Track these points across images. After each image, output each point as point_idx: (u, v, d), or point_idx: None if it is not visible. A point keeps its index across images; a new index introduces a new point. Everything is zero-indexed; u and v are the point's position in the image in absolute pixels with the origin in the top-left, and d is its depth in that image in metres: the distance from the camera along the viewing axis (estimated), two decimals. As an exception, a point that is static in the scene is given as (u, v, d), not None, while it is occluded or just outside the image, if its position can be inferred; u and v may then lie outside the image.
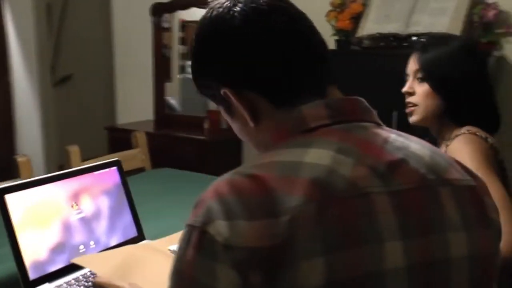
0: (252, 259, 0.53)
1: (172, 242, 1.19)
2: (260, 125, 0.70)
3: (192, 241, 0.57)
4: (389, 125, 2.13)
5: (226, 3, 0.72)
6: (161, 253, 1.12)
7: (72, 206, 1.14)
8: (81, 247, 1.13)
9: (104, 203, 1.21)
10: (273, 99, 0.69)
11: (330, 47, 2.34)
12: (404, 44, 2.20)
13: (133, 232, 1.25)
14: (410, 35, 2.19)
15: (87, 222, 1.16)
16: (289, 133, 0.66)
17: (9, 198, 1.04)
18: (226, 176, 0.62)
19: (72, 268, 1.08)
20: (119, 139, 3.02)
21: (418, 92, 1.28)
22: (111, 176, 1.25)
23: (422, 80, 1.27)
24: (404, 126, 1.96)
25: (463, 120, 1.24)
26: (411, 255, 0.58)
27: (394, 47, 2.24)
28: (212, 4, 0.74)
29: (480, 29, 2.15)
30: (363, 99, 0.71)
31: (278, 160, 0.61)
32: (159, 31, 3.18)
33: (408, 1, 2.30)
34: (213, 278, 0.54)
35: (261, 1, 0.70)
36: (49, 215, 1.09)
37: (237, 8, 0.70)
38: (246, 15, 0.70)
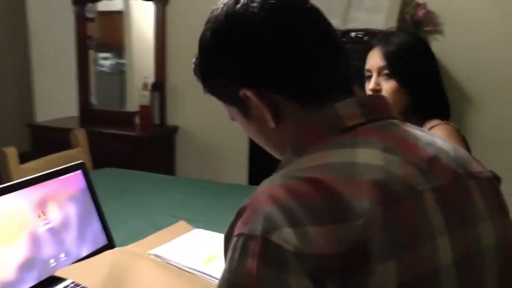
0: (326, 266, 0.50)
1: (150, 246, 1.12)
2: (281, 126, 0.67)
3: (252, 251, 0.52)
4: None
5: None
6: (145, 259, 1.05)
7: (39, 217, 1.02)
8: (52, 261, 1.02)
9: (72, 210, 1.10)
10: (298, 99, 0.66)
11: None
12: (343, 39, 2.27)
13: (102, 240, 1.15)
14: (348, 31, 2.27)
15: (55, 233, 1.04)
16: (325, 133, 0.64)
17: (-31, 211, 0.90)
18: (274, 181, 0.58)
19: (43, 285, 0.97)
20: (42, 138, 2.78)
21: (385, 89, 1.27)
22: (76, 180, 1.13)
23: (389, 76, 1.27)
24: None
25: (428, 113, 1.29)
26: (456, 249, 0.59)
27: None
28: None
29: (411, 27, 2.28)
30: (384, 96, 0.72)
31: (329, 161, 0.58)
32: (83, 22, 2.96)
33: (343, -2, 2.37)
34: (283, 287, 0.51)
35: None
36: (14, 229, 0.96)
37: (256, 4, 0.67)
38: (267, 12, 0.66)
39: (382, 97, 0.70)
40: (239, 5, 0.67)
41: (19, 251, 0.96)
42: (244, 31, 0.67)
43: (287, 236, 0.51)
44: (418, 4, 2.26)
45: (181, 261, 1.07)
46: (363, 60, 1.54)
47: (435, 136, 0.70)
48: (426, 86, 1.28)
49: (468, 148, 1.23)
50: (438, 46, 2.27)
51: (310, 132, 0.65)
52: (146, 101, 2.76)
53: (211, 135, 2.77)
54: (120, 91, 3.26)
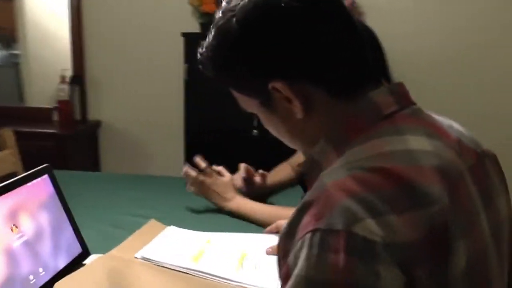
0: (412, 253, 0.52)
1: (133, 250, 1.06)
2: (309, 118, 0.67)
3: (334, 246, 0.52)
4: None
5: None
6: (138, 264, 1.00)
7: (12, 230, 0.91)
8: (31, 277, 0.91)
9: (44, 219, 0.99)
10: (330, 89, 0.66)
11: (194, 30, 2.31)
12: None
13: (77, 248, 1.06)
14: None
15: (31, 246, 0.94)
16: (366, 122, 0.65)
17: None
18: (338, 174, 0.58)
19: (26, 305, 0.88)
20: None
21: None
22: (44, 186, 1.03)
23: None
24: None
25: None
26: (490, 224, 0.64)
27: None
28: None
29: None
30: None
31: (386, 150, 0.60)
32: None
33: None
34: (375, 279, 0.51)
35: None
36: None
37: None
38: (300, 1, 0.66)
39: (404, 84, 0.72)
40: None
41: (-3, 271, 0.85)
42: (277, 21, 0.65)
43: (371, 227, 0.52)
44: (344, -6, 2.36)
45: (172, 261, 1.03)
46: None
47: (448, 119, 0.74)
48: None
49: None
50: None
51: (351, 122, 0.65)
52: (64, 96, 2.56)
53: (137, 128, 2.66)
54: (17, 85, 2.98)
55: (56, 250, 1.00)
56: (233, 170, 1.56)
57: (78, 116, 2.62)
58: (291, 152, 1.89)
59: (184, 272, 1.00)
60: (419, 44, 2.44)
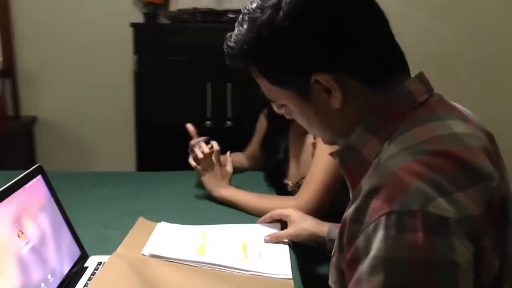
0: (478, 226, 0.58)
1: (135, 249, 1.03)
2: (345, 107, 0.70)
3: (411, 226, 0.56)
4: (224, 97, 2.24)
5: None
6: (152, 261, 0.99)
7: (18, 236, 0.85)
8: (42, 285, 0.86)
9: (45, 222, 0.94)
10: (368, 79, 0.70)
11: (136, 20, 2.24)
12: (224, 19, 2.29)
13: (76, 251, 1.01)
14: (226, 11, 2.30)
15: (38, 252, 0.88)
16: (405, 109, 0.69)
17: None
18: (402, 159, 0.62)
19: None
20: None
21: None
22: (40, 187, 0.97)
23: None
24: (238, 98, 2.12)
25: None
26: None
27: (211, 21, 2.31)
28: None
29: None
30: None
31: (437, 134, 0.64)
32: None
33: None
34: (451, 252, 0.56)
35: None
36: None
37: None
38: None
39: (424, 74, 0.77)
40: None
41: (11, 282, 0.79)
42: (325, 16, 0.68)
43: (442, 205, 0.57)
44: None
45: (180, 256, 1.02)
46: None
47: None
48: None
49: None
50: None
51: (389, 110, 0.69)
52: (-6, 90, 2.36)
53: (79, 124, 2.53)
54: None
55: (59, 254, 0.95)
56: (186, 159, 1.56)
57: (10, 112, 2.42)
58: (242, 142, 1.93)
59: (195, 266, 1.00)
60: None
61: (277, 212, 1.20)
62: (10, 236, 0.83)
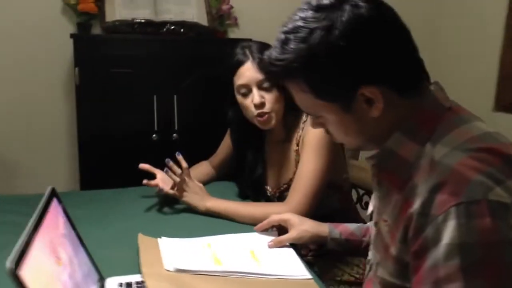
0: None
1: (156, 266, 1.02)
2: (382, 115, 0.79)
3: (479, 213, 0.66)
4: (172, 108, 2.22)
5: (364, 4, 0.76)
6: (182, 276, 0.99)
7: (57, 263, 0.80)
8: (83, 311, 0.82)
9: (68, 246, 0.89)
10: (401, 89, 0.80)
11: (68, 31, 2.15)
12: (162, 30, 2.27)
13: (95, 274, 0.97)
14: (165, 22, 2.28)
15: (73, 278, 0.84)
16: (436, 115, 0.80)
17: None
18: (456, 157, 0.72)
19: None
20: None
21: (268, 100, 1.37)
22: (57, 211, 0.91)
23: (269, 88, 1.37)
24: (185, 110, 2.12)
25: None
26: None
27: (150, 33, 2.27)
28: (345, 6, 0.76)
29: (217, 20, 2.48)
30: None
31: (475, 135, 0.76)
32: None
33: (148, -12, 2.35)
34: (511, 231, 0.67)
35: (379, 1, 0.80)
36: (49, 284, 0.74)
37: (377, 11, 0.77)
38: (388, 18, 0.78)
39: None
40: (363, 10, 0.75)
41: (62, 310, 0.75)
42: (373, 35, 0.76)
43: (500, 193, 0.68)
44: (224, 0, 2.48)
45: (204, 268, 1.03)
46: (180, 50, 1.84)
47: None
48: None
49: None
50: (235, 36, 2.55)
51: (421, 116, 0.80)
52: None
53: (6, 143, 2.31)
54: None
55: (85, 278, 0.90)
56: (134, 174, 1.55)
57: None
58: (189, 154, 1.94)
59: (222, 276, 1.01)
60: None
61: (275, 218, 1.25)
62: (52, 263, 0.78)
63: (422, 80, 0.83)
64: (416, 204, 0.72)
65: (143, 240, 1.15)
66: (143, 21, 2.25)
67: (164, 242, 1.16)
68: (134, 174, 1.84)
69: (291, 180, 1.43)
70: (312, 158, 1.34)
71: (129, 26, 2.25)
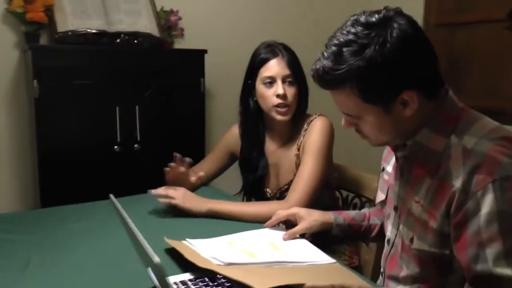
0: None
1: (207, 261, 1.09)
2: (413, 115, 0.97)
3: (511, 186, 0.86)
4: (134, 118, 2.25)
5: (405, 21, 0.94)
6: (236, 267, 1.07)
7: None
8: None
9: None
10: (429, 93, 0.98)
11: (12, 40, 2.12)
12: (116, 41, 2.27)
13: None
14: (119, 33, 2.28)
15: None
16: (455, 113, 0.99)
17: None
18: (485, 145, 0.90)
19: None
20: None
21: (289, 93, 1.56)
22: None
23: (292, 83, 1.57)
24: (146, 120, 2.16)
25: (306, 109, 1.66)
26: None
27: (103, 44, 2.26)
28: (392, 24, 0.93)
29: (167, 31, 2.53)
30: None
31: (492, 127, 0.95)
32: None
33: (96, -1, 2.34)
34: None
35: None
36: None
37: (415, 27, 0.95)
38: (421, 31, 0.97)
39: None
40: (407, 27, 0.93)
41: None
42: (415, 49, 0.94)
43: None
44: (172, 11, 2.54)
45: (249, 260, 1.13)
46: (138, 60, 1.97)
47: None
48: (306, 88, 1.65)
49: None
50: (180, 47, 2.62)
51: (445, 115, 0.99)
52: None
53: None
54: None
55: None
56: (101, 187, 1.54)
57: None
58: (151, 164, 2.01)
59: (265, 266, 1.12)
60: (235, 58, 2.83)
61: (284, 213, 1.38)
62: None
63: (442, 85, 1.02)
64: (457, 184, 0.90)
65: (173, 242, 1.20)
66: (96, 31, 2.24)
67: (193, 243, 1.23)
68: (98, 186, 1.86)
69: (291, 181, 1.58)
70: (312, 161, 1.50)
71: (82, 36, 2.22)
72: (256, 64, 1.61)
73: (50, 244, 1.29)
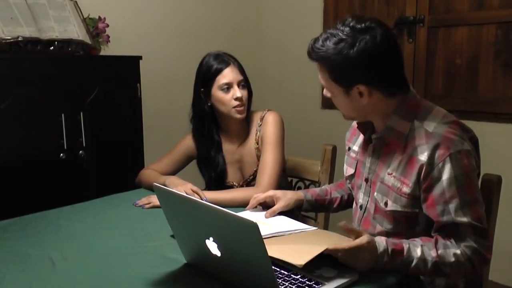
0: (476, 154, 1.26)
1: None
2: (368, 104, 1.26)
3: (463, 156, 1.17)
4: (79, 123, 2.32)
5: (380, 31, 1.21)
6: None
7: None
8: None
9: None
10: (385, 91, 1.27)
11: None
12: (50, 48, 2.26)
13: None
14: (51, 40, 2.27)
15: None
16: (417, 103, 1.29)
17: None
18: (442, 128, 1.20)
19: None
20: None
21: (244, 95, 1.83)
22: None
23: (244, 86, 1.83)
24: (92, 126, 2.22)
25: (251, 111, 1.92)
26: None
27: (38, 52, 2.23)
28: (365, 35, 1.21)
29: (95, 38, 2.57)
30: None
31: (444, 113, 1.26)
32: None
33: (22, 6, 2.30)
34: (474, 163, 1.21)
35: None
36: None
37: (387, 38, 1.23)
38: (389, 43, 1.25)
39: None
40: (378, 38, 1.20)
41: None
42: (376, 54, 1.21)
43: (467, 146, 1.20)
44: (100, 19, 2.57)
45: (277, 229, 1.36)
46: (76, 67, 2.11)
47: None
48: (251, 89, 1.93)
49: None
50: (107, 53, 2.68)
51: (410, 104, 1.28)
52: None
53: None
54: None
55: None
56: (46, 197, 1.71)
57: None
58: (97, 170, 2.12)
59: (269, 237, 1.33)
60: (160, 62, 2.95)
61: (261, 196, 1.59)
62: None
63: (404, 86, 1.30)
64: (424, 158, 1.19)
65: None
66: (30, 39, 2.21)
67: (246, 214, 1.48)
68: (42, 191, 1.89)
69: (255, 171, 1.83)
70: (273, 149, 1.76)
71: (15, 44, 2.18)
72: (211, 73, 1.83)
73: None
